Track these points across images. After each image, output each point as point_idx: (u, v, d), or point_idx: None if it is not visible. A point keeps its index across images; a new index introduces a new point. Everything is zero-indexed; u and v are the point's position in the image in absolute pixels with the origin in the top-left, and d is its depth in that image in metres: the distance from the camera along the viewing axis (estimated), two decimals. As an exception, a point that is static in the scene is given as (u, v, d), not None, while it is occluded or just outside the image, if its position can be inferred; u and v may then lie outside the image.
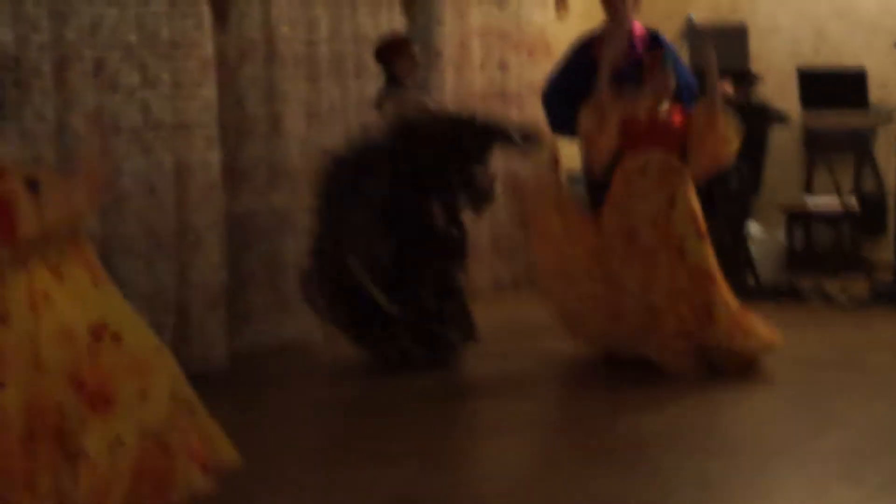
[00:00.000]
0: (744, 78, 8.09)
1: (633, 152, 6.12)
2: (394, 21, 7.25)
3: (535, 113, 7.59)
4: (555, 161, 6.22)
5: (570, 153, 6.77)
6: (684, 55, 7.16)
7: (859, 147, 8.56)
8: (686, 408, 5.44)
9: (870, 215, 8.42)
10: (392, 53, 6.32)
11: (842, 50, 8.62)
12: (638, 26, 6.82)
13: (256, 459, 4.30)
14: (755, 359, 5.96)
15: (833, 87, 8.03)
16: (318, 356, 6.56)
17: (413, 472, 4.62)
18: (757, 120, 7.73)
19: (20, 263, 3.62)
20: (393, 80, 6.30)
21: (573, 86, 6.73)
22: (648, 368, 5.87)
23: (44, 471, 3.56)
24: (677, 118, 6.19)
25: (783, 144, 8.60)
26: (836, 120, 8.24)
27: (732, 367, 5.87)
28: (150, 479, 3.66)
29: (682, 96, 6.57)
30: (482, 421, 5.56)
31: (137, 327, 3.81)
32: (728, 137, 6.16)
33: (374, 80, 6.68)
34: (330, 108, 6.89)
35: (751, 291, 7.50)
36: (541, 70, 7.89)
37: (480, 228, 7.31)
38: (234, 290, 6.32)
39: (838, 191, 8.27)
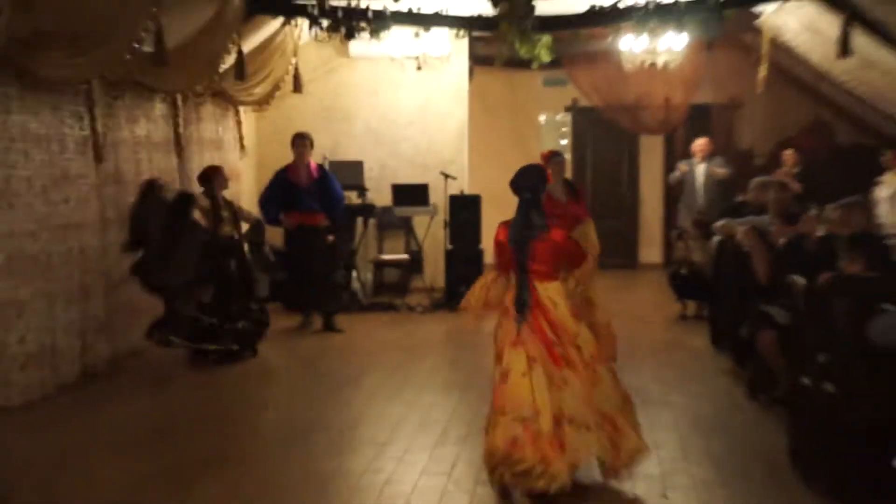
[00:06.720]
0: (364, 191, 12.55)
1: None
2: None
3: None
4: None
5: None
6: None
7: (409, 226, 13.09)
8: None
9: (414, 262, 13.03)
10: None
11: (407, 173, 13.10)
12: (312, 163, 10.74)
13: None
14: None
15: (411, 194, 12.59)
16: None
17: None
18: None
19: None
20: None
21: (277, 195, 10.67)
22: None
23: None
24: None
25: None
26: (410, 211, 12.70)
27: None
28: None
29: (335, 207, 10.53)
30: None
31: None
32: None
33: None
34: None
35: (360, 307, 11.85)
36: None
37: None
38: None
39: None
